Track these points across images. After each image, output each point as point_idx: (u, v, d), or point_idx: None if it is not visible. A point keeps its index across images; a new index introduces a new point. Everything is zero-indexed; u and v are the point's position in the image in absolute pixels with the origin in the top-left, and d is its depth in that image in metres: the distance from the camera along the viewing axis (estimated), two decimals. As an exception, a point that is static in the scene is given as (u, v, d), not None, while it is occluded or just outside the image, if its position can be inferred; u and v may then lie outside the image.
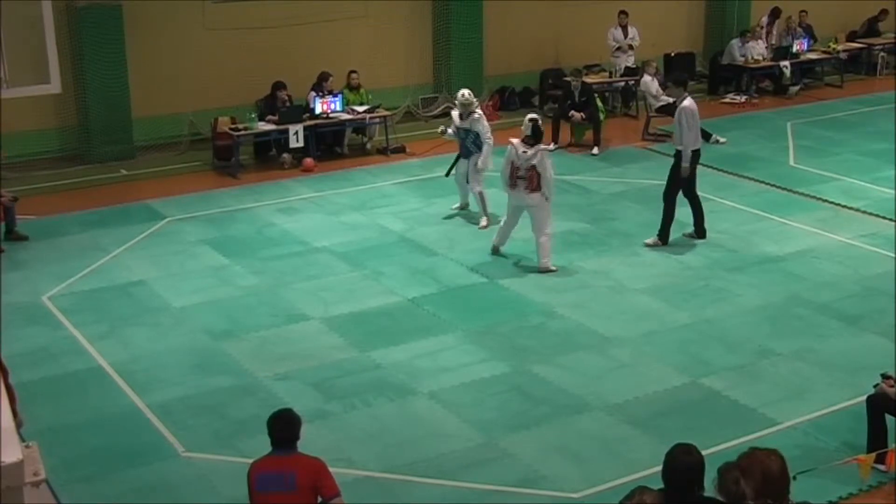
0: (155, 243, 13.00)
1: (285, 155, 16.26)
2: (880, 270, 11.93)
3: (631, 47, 19.36)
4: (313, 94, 16.52)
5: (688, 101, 12.47)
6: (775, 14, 21.39)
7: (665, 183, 12.76)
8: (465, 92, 13.33)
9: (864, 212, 13.84)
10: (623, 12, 19.37)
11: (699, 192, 12.85)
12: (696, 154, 12.53)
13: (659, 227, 12.69)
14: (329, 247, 12.79)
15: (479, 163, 13.15)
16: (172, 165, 16.35)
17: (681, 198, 12.66)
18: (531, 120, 11.88)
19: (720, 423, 8.78)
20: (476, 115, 13.27)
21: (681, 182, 12.56)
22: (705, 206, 14.07)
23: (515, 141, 11.90)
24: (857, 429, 8.25)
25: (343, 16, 17.86)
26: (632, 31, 19.40)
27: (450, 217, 13.75)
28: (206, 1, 16.89)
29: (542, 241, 11.93)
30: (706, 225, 12.89)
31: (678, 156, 12.51)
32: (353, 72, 17.14)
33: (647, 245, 12.64)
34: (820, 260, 12.29)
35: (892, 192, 14.38)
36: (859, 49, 22.31)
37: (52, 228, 13.46)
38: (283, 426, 6.21)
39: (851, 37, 22.73)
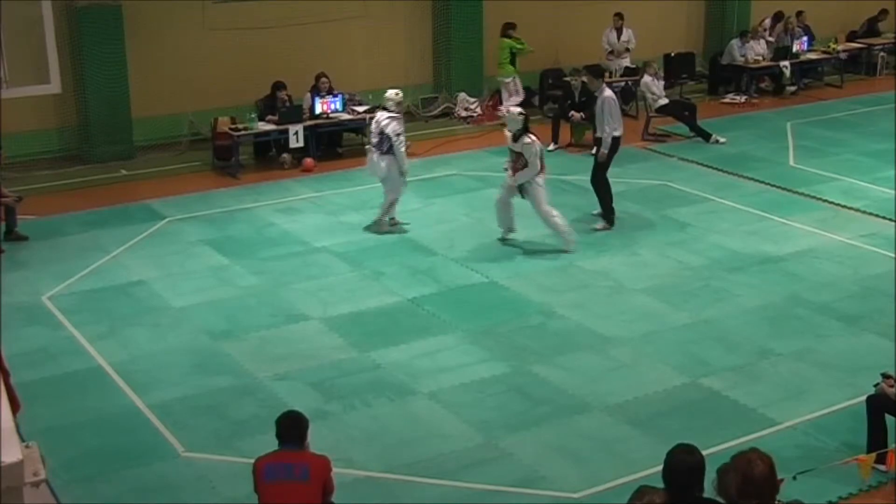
0: (155, 243, 13.00)
1: (285, 155, 16.26)
2: (880, 270, 11.93)
3: (628, 50, 19.34)
4: (308, 95, 16.51)
5: (608, 92, 13.19)
6: (778, 18, 21.41)
7: (591, 171, 13.41)
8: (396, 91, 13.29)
9: (864, 212, 13.84)
10: (618, 15, 19.33)
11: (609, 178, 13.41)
12: (616, 141, 13.13)
13: (604, 215, 13.26)
14: (329, 247, 12.79)
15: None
16: (172, 165, 16.35)
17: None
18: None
19: (720, 423, 8.77)
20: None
21: (602, 167, 13.19)
22: (705, 206, 14.13)
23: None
24: (857, 429, 8.24)
25: (343, 16, 17.87)
26: (627, 33, 19.36)
27: (449, 217, 13.75)
28: (206, 1, 16.89)
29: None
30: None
31: (599, 142, 13.18)
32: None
33: (597, 229, 13.10)
34: (820, 260, 12.28)
35: (892, 192, 14.37)
36: (859, 49, 22.30)
37: (52, 228, 13.46)
38: (292, 424, 6.28)
39: (851, 37, 22.73)
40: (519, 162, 12.39)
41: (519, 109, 12.97)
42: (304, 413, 6.51)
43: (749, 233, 13.16)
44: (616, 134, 13.03)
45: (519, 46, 18.31)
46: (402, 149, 12.91)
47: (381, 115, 12.99)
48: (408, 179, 13.30)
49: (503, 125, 12.95)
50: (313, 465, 6.19)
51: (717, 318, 10.80)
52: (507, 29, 18.39)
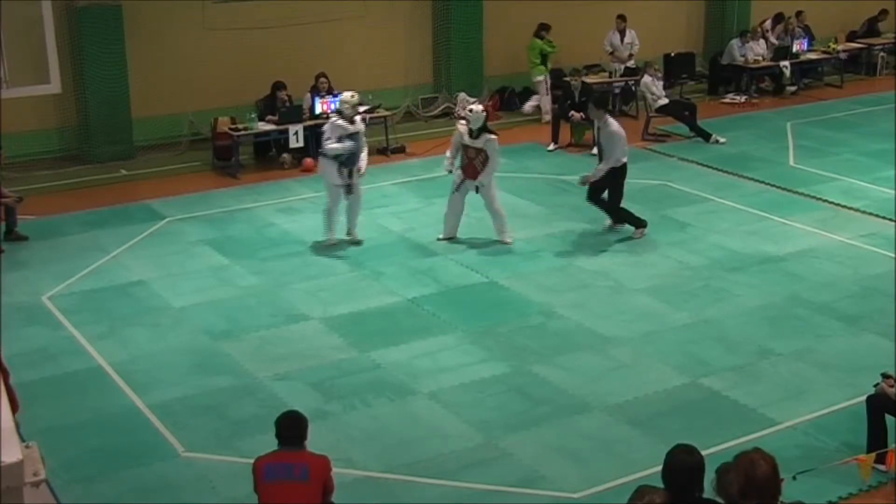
0: (155, 243, 13.00)
1: (285, 155, 16.25)
2: (880, 270, 11.93)
3: (631, 56, 19.32)
4: (308, 95, 16.51)
5: (615, 127, 12.71)
6: (778, 20, 21.43)
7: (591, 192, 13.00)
8: (351, 93, 12.82)
9: (864, 212, 13.84)
10: (620, 17, 19.29)
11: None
12: (621, 169, 12.82)
13: (630, 223, 13.00)
14: (329, 247, 12.79)
15: (365, 163, 12.75)
16: (172, 165, 16.35)
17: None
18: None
19: (720, 423, 8.77)
20: (359, 116, 12.88)
21: (601, 184, 12.88)
22: (705, 206, 14.13)
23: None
24: (857, 429, 8.25)
25: (343, 16, 17.87)
26: (630, 35, 19.33)
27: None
28: (205, 1, 16.89)
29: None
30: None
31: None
32: None
33: (638, 237, 12.91)
34: (820, 260, 12.28)
35: (892, 192, 14.37)
36: (859, 49, 22.30)
37: (52, 228, 13.45)
38: (292, 424, 6.29)
39: (851, 37, 22.73)
40: (478, 159, 12.48)
41: (481, 107, 12.90)
42: (304, 413, 6.52)
43: (749, 233, 13.16)
44: (620, 163, 12.78)
45: (549, 49, 18.42)
46: (329, 146, 12.40)
47: None
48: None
49: (465, 120, 12.67)
50: (313, 465, 6.20)
51: (717, 318, 10.80)
52: (540, 30, 18.55)
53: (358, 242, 12.78)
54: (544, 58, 18.56)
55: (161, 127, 16.74)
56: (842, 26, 22.75)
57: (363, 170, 12.72)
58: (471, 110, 12.69)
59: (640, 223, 13.02)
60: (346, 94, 12.76)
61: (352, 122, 12.56)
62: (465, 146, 12.59)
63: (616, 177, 12.86)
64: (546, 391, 9.36)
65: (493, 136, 12.54)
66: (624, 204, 13.14)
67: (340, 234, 12.86)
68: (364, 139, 12.81)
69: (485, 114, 12.68)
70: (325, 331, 10.58)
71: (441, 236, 12.92)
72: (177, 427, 8.80)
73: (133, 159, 16.45)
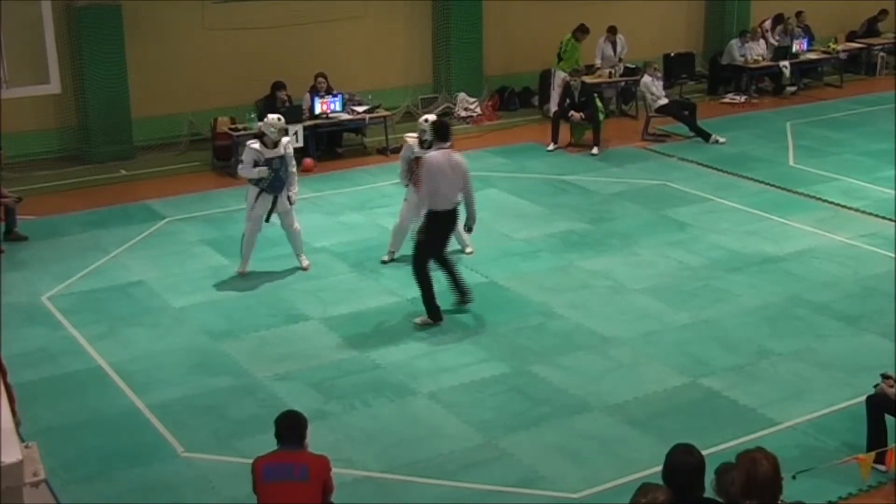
0: (154, 243, 13.01)
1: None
2: (880, 270, 11.93)
3: (620, 60, 19.32)
4: (308, 95, 16.51)
5: (431, 156, 10.49)
6: (778, 20, 21.44)
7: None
8: (278, 116, 11.96)
9: (864, 212, 13.84)
10: (610, 30, 19.20)
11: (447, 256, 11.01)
12: (435, 216, 10.41)
13: (425, 308, 10.66)
14: (329, 247, 12.79)
15: (296, 193, 11.99)
16: (172, 165, 16.35)
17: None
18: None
19: (720, 423, 8.78)
20: (286, 140, 11.82)
21: (423, 249, 10.57)
22: (705, 206, 14.11)
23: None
24: (857, 429, 8.25)
25: (343, 16, 17.88)
26: (620, 43, 19.31)
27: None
28: (205, 1, 16.89)
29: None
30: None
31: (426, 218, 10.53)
32: None
33: (417, 324, 10.58)
34: (820, 260, 12.28)
35: (892, 192, 14.37)
36: (859, 49, 22.31)
37: (52, 228, 13.45)
38: (291, 424, 6.29)
39: (851, 37, 22.74)
40: None
41: (433, 117, 12.25)
42: (304, 413, 6.52)
43: (749, 233, 13.16)
44: (436, 207, 10.34)
45: (564, 46, 18.37)
46: (241, 171, 11.88)
47: None
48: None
49: (421, 132, 11.88)
50: (313, 465, 6.20)
51: (717, 318, 10.80)
52: (577, 30, 18.48)
53: (305, 269, 12.09)
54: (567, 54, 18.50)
55: (161, 127, 16.74)
56: (841, 26, 22.76)
57: (294, 199, 11.93)
58: (426, 120, 12.02)
59: (434, 315, 10.60)
60: (273, 117, 11.78)
61: (275, 145, 11.63)
62: (417, 159, 11.65)
63: (435, 226, 10.48)
64: (546, 391, 9.36)
65: (446, 144, 11.89)
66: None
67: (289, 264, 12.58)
68: (293, 164, 11.88)
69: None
70: (325, 331, 10.58)
71: (386, 258, 12.22)
72: (177, 427, 8.80)
73: (133, 159, 16.45)
